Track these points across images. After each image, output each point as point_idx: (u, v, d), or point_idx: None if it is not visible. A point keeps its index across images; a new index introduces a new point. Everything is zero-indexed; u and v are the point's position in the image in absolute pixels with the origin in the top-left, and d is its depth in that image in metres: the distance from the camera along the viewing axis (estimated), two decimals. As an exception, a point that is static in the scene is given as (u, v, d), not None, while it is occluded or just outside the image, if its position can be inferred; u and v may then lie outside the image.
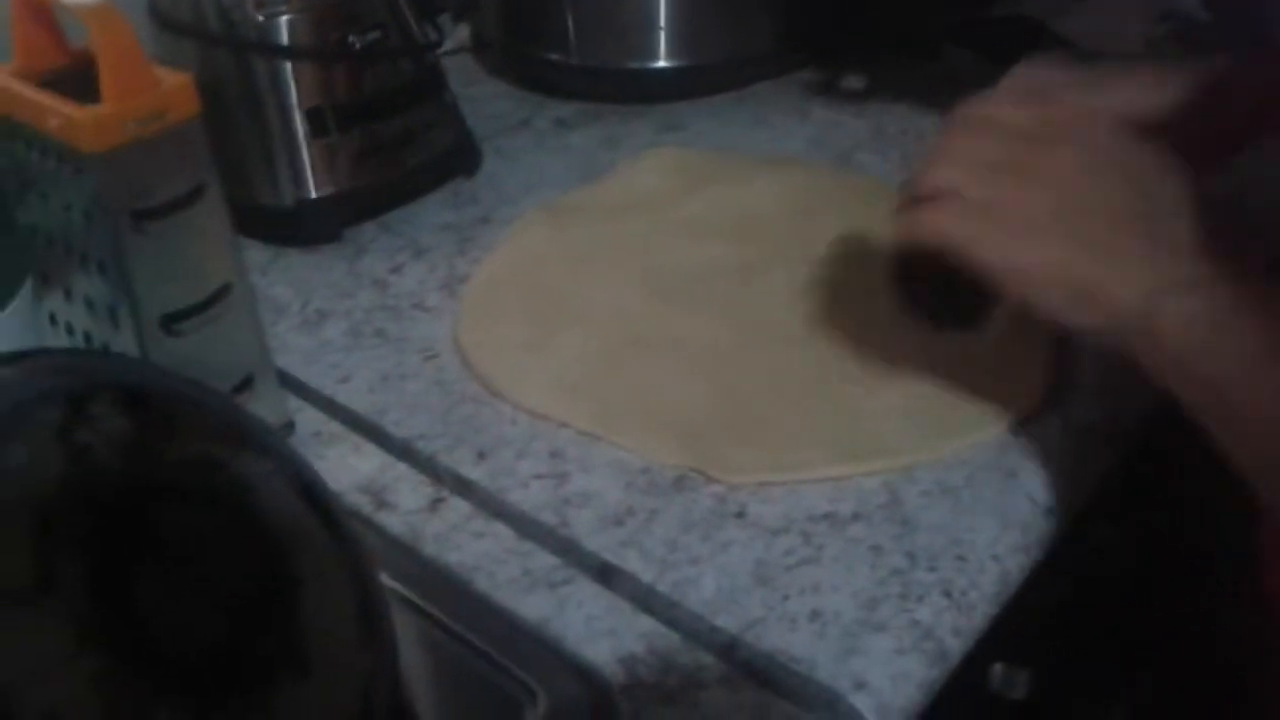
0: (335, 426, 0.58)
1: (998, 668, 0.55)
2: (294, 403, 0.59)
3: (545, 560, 0.50)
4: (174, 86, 0.47)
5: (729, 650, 0.45)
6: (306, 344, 0.63)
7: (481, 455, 0.55)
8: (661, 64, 0.87)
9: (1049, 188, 0.45)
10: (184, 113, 0.47)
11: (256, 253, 0.71)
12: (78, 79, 0.47)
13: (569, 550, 0.50)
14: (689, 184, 0.72)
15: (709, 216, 0.69)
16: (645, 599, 0.47)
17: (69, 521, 0.33)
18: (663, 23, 0.86)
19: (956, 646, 0.45)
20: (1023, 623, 0.50)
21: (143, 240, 0.47)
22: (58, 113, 0.46)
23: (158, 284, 0.49)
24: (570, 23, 0.87)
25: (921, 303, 0.52)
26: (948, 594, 0.46)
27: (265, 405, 0.54)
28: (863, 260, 0.64)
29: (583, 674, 0.44)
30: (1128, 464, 0.56)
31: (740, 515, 0.51)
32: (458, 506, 0.53)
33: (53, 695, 0.31)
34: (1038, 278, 0.45)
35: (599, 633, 0.46)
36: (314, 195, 0.71)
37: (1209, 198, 0.45)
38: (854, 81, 0.87)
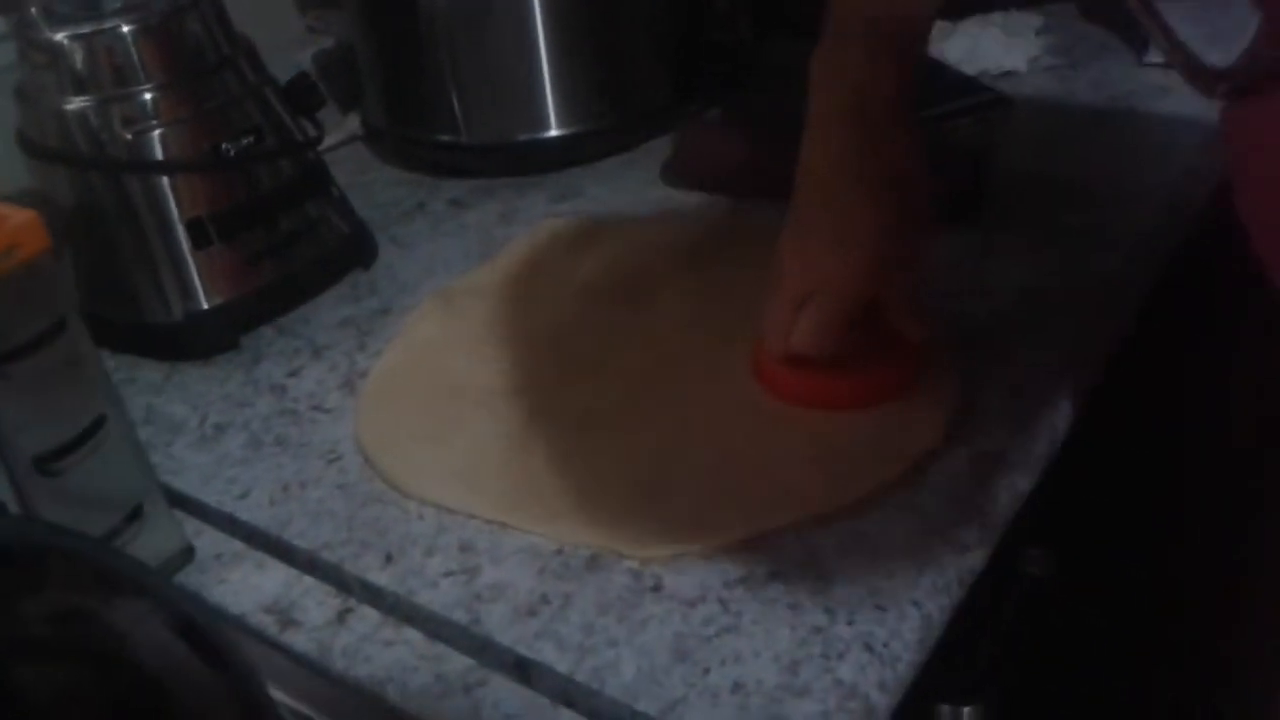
0: (236, 545, 0.56)
1: (944, 709, 0.54)
2: (194, 525, 0.57)
3: (458, 663, 0.48)
4: (20, 223, 0.45)
5: (652, 735, 0.44)
6: (203, 461, 0.61)
7: (389, 558, 0.53)
8: (551, 133, 0.87)
9: None
10: (33, 248, 0.46)
11: (150, 371, 0.69)
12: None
13: (483, 649, 0.48)
14: (581, 252, 0.72)
15: (604, 282, 0.68)
16: (564, 691, 0.46)
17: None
18: (549, 92, 0.86)
19: (883, 702, 0.44)
20: (957, 663, 0.49)
21: (5, 384, 0.46)
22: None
23: (27, 426, 0.47)
24: (456, 103, 0.86)
25: None
26: (869, 648, 0.45)
27: (159, 534, 0.53)
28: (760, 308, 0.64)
29: (503, 779, 0.43)
30: (1044, 488, 0.56)
31: (656, 589, 0.49)
32: (366, 615, 0.51)
33: None
34: None
35: (518, 733, 0.45)
36: (204, 306, 0.70)
37: None
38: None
